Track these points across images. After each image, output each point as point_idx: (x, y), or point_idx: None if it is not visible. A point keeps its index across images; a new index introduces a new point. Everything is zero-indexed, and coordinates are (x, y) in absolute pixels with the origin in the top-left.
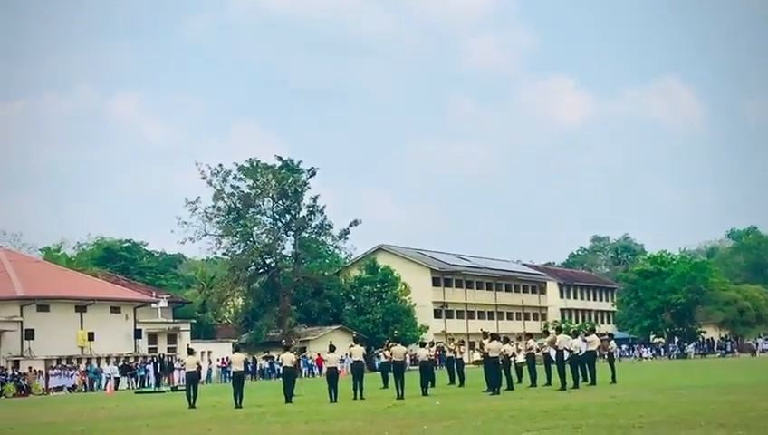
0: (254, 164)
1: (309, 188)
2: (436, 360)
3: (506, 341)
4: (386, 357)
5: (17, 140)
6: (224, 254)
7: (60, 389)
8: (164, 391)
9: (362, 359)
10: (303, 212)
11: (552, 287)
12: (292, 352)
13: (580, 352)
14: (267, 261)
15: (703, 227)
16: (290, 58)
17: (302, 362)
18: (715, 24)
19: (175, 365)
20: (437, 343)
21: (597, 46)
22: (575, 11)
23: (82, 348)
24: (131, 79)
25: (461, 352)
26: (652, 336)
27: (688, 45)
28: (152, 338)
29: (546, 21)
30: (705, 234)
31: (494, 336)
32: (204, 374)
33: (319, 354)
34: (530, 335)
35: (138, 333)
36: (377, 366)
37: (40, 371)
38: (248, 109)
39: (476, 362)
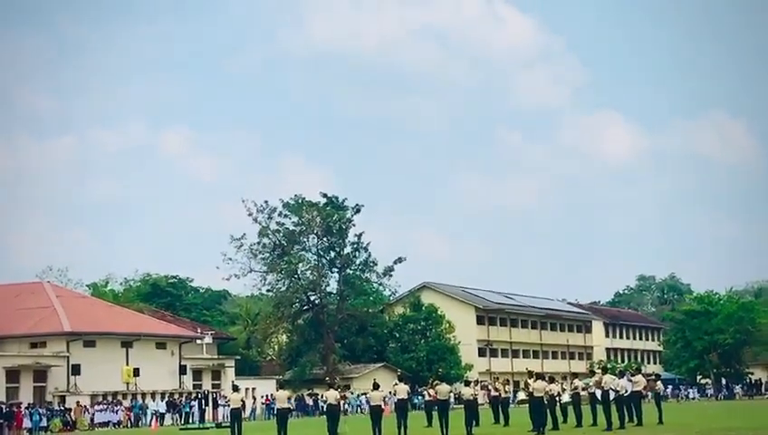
0: (300, 201)
1: (353, 225)
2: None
3: (551, 380)
4: (430, 395)
5: (65, 175)
6: (268, 290)
7: (105, 424)
8: (208, 428)
9: (407, 397)
10: (348, 249)
11: (598, 327)
12: (336, 389)
13: (626, 392)
14: (311, 298)
15: (751, 267)
16: (337, 93)
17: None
18: (765, 57)
19: (219, 402)
20: (482, 381)
21: (645, 80)
22: (622, 45)
23: (128, 384)
24: (180, 114)
25: (506, 392)
26: (699, 377)
27: (738, 79)
28: (197, 374)
29: (593, 55)
30: (753, 273)
31: (540, 376)
32: (248, 411)
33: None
34: (575, 375)
35: (183, 370)
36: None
37: (86, 406)
38: (295, 143)
39: (522, 402)
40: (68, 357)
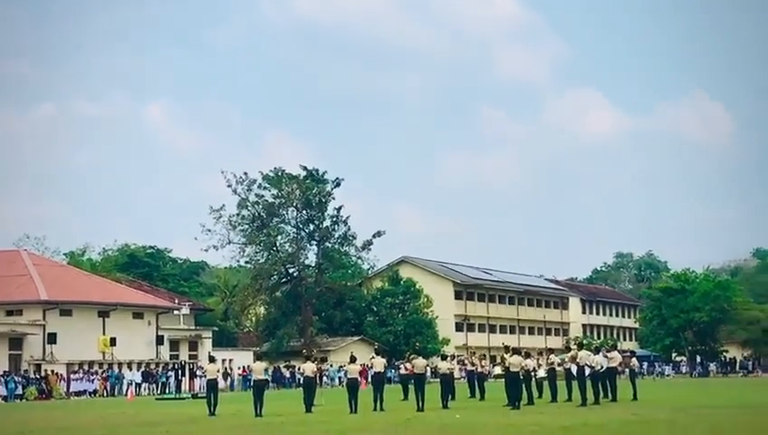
0: (279, 173)
1: (333, 198)
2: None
3: (528, 355)
4: (407, 369)
5: (45, 144)
6: (247, 262)
7: (81, 393)
8: (184, 398)
9: (383, 370)
10: (327, 222)
11: (575, 303)
12: (313, 361)
13: (602, 368)
14: (290, 270)
15: (728, 246)
16: (320, 66)
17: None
18: (748, 41)
19: (197, 372)
20: (458, 356)
21: (627, 60)
22: (605, 24)
23: (104, 353)
24: (161, 85)
25: (482, 366)
26: (674, 354)
27: (720, 61)
28: (174, 345)
29: (577, 34)
30: (730, 252)
31: (516, 351)
32: (225, 382)
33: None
34: (551, 350)
35: (159, 340)
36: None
37: (62, 375)
38: (277, 117)
39: (498, 377)
40: (44, 326)
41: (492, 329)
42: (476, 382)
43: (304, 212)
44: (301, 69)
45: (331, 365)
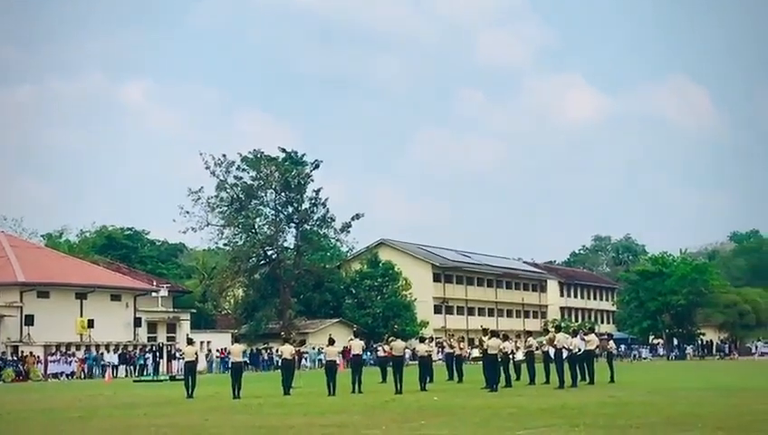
0: (258, 155)
1: (312, 180)
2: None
3: (506, 338)
4: (385, 352)
5: (22, 124)
6: (225, 244)
7: (58, 375)
8: (162, 381)
9: (362, 353)
10: (306, 205)
11: (553, 286)
12: (292, 344)
13: (579, 351)
14: (268, 253)
15: (705, 229)
16: (301, 47)
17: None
18: (729, 24)
19: (177, 355)
20: (437, 338)
21: (608, 43)
22: (587, 7)
23: (81, 335)
24: (140, 66)
25: (460, 348)
26: (651, 337)
27: (702, 44)
28: (152, 327)
29: (558, 16)
30: (707, 236)
31: (494, 333)
32: (203, 364)
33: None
34: (529, 333)
35: (137, 322)
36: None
37: (39, 357)
38: (257, 98)
39: (476, 359)
40: (21, 307)
41: (470, 312)
42: (454, 365)
43: (283, 194)
44: (281, 50)
45: (314, 348)
